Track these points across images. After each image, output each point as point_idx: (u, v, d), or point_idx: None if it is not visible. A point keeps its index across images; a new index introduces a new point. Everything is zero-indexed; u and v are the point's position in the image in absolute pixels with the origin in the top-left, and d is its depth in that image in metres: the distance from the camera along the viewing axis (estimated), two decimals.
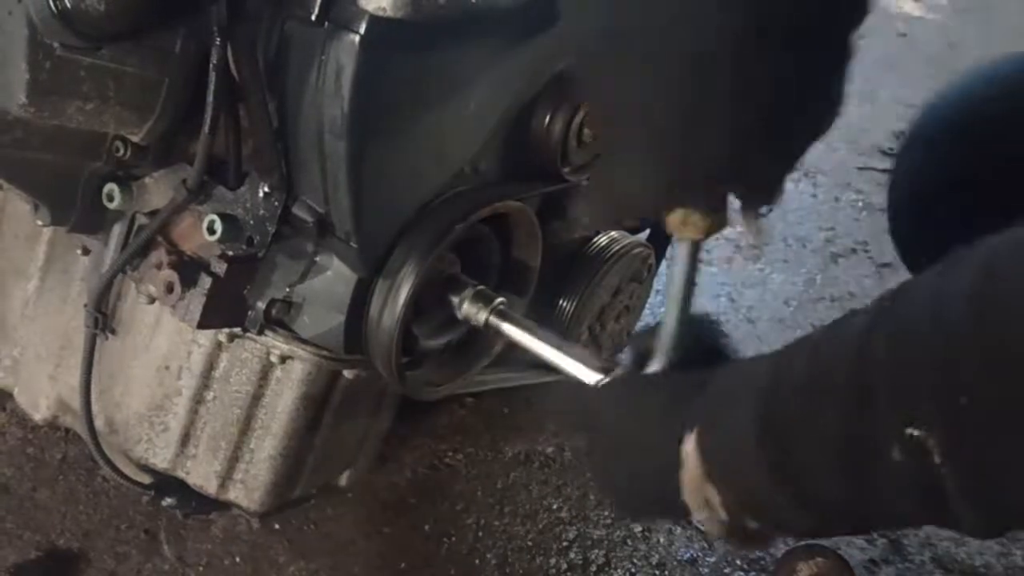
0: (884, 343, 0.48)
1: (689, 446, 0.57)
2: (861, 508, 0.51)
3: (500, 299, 0.97)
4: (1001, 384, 0.44)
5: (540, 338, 0.90)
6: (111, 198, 0.96)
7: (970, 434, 0.45)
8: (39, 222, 0.98)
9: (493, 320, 0.95)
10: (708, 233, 0.69)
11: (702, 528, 0.60)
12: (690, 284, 0.70)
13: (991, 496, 0.46)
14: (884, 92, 2.59)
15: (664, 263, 1.39)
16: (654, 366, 0.68)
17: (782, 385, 0.53)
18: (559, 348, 0.88)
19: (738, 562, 1.32)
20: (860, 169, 2.26)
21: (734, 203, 0.70)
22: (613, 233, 1.27)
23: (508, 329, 0.94)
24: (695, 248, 0.70)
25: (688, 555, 1.32)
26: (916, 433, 0.46)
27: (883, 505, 0.50)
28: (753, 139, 0.62)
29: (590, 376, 0.78)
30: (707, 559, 1.32)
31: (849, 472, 0.50)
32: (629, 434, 0.64)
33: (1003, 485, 0.46)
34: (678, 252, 0.70)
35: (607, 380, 0.71)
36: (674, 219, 0.67)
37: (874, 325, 0.50)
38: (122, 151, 0.92)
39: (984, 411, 0.45)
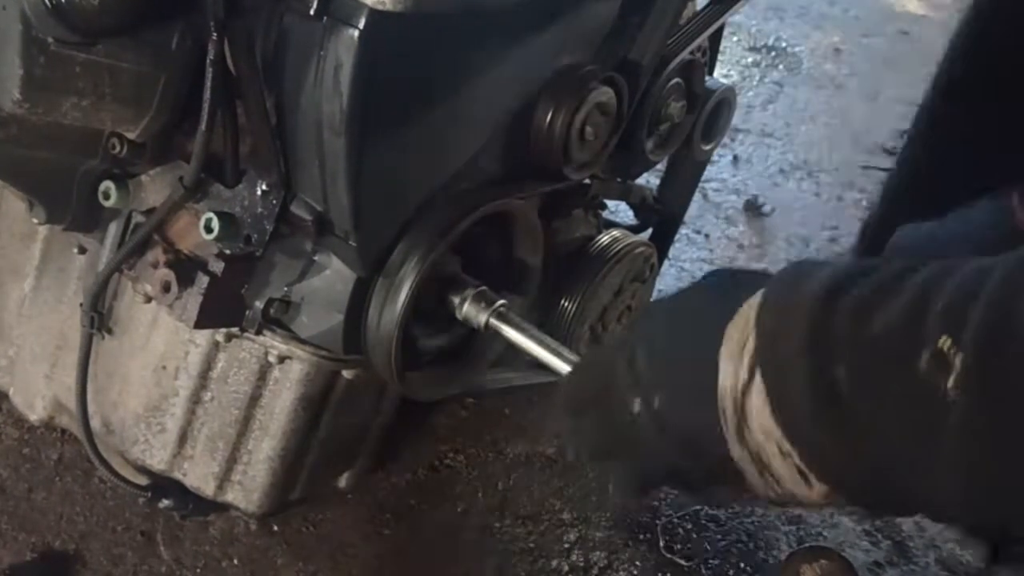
0: (962, 275, 0.48)
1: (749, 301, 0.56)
2: (864, 412, 0.49)
3: (501, 301, 0.95)
4: None
5: (540, 344, 0.89)
6: (107, 196, 0.95)
7: (994, 378, 0.44)
8: (35, 220, 0.97)
9: (493, 322, 0.94)
10: None
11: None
12: None
13: (990, 456, 0.45)
14: (887, 91, 2.59)
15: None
16: None
17: (852, 279, 0.52)
18: (559, 355, 0.87)
19: (741, 564, 1.31)
20: (863, 168, 2.26)
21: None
22: (615, 232, 1.26)
23: (508, 332, 0.93)
24: None
25: (690, 558, 1.31)
26: (948, 346, 0.45)
27: (885, 419, 0.48)
28: None
29: None
30: (710, 561, 1.31)
31: (874, 365, 0.49)
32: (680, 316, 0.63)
33: (1007, 455, 0.45)
34: None
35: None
36: None
37: (954, 262, 0.49)
38: (118, 148, 0.91)
39: (1016, 369, 0.43)
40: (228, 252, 0.91)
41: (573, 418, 0.70)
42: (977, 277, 0.47)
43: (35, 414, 1.16)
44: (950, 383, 0.45)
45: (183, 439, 1.07)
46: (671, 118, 1.17)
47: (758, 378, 0.54)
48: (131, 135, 0.89)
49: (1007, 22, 1.19)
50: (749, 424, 0.55)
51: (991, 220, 0.95)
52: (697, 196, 1.53)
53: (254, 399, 1.04)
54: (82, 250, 1.06)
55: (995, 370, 0.44)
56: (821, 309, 0.52)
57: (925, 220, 1.12)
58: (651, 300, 1.34)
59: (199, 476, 1.08)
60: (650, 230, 1.45)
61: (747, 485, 0.58)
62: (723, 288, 0.61)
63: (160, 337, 1.04)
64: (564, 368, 0.85)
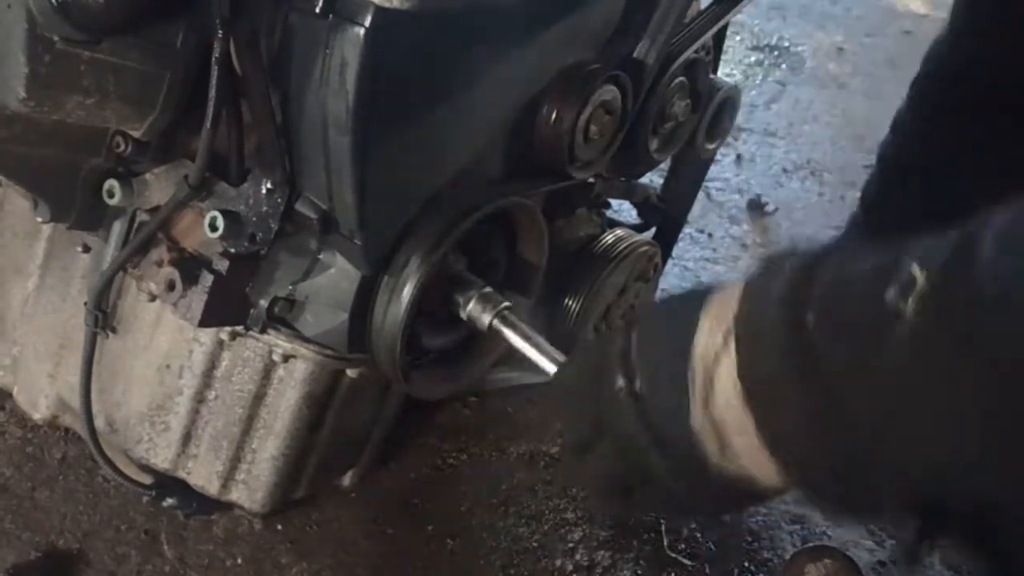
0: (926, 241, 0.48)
1: (711, 308, 0.57)
2: (833, 355, 0.49)
3: (505, 303, 0.95)
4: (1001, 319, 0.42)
5: (541, 352, 0.88)
6: (111, 194, 0.95)
7: (949, 299, 0.44)
8: (39, 219, 0.96)
9: (496, 324, 0.94)
10: None
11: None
12: None
13: (931, 376, 0.45)
14: (890, 90, 2.58)
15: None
16: None
17: (835, 245, 0.53)
18: (559, 364, 0.87)
19: (745, 563, 1.31)
20: (865, 167, 2.25)
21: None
22: (619, 231, 1.26)
23: (511, 337, 0.93)
24: None
25: (694, 557, 1.31)
26: (916, 271, 0.45)
27: (853, 359, 0.48)
28: None
29: None
30: (714, 561, 1.31)
31: (844, 307, 0.49)
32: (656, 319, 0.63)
33: (944, 375, 0.44)
34: None
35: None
36: None
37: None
38: (123, 147, 0.91)
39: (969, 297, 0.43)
40: (233, 251, 0.91)
41: (561, 406, 0.70)
42: (960, 230, 0.46)
43: (39, 413, 1.16)
44: (911, 302, 0.45)
45: (187, 438, 1.07)
46: (675, 117, 1.16)
47: (732, 344, 0.54)
48: (136, 133, 0.89)
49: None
50: (715, 391, 0.55)
51: None
52: (700, 195, 1.52)
53: (258, 398, 1.04)
54: (86, 249, 1.06)
55: (951, 292, 0.44)
56: (800, 271, 0.52)
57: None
58: (654, 300, 1.34)
59: (203, 475, 1.08)
60: (654, 229, 1.45)
61: (708, 466, 0.57)
62: (718, 283, 0.62)
63: (164, 336, 1.03)
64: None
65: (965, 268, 0.43)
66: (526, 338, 0.91)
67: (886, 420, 0.48)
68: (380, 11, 0.76)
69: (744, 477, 0.57)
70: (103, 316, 1.02)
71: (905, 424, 0.47)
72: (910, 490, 0.54)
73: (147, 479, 1.11)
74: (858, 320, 0.48)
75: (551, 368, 0.87)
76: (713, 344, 0.56)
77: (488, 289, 0.96)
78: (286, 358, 1.01)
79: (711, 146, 1.31)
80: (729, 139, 2.06)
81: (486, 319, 0.95)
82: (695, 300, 0.59)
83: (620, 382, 0.62)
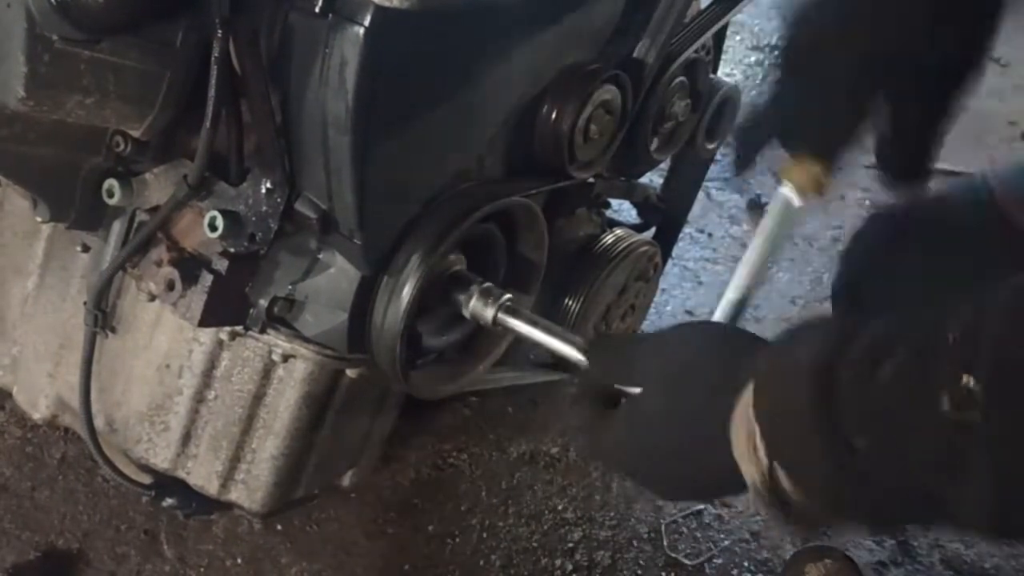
0: (963, 313, 0.48)
1: (748, 388, 0.57)
2: (894, 467, 0.50)
3: (507, 295, 0.95)
4: None
5: (550, 333, 0.88)
6: (111, 194, 0.95)
7: (1016, 394, 0.45)
8: (38, 218, 0.96)
9: (502, 316, 0.94)
10: (814, 186, 0.76)
11: (742, 491, 0.59)
12: (775, 240, 0.71)
13: (1014, 467, 0.46)
14: None
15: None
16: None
17: (849, 338, 0.53)
18: (571, 343, 0.86)
19: (745, 564, 1.31)
20: (866, 167, 2.25)
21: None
22: (619, 231, 1.26)
23: (517, 325, 0.92)
24: (789, 208, 0.75)
25: (694, 557, 1.31)
26: (970, 382, 0.46)
27: (915, 466, 0.49)
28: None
29: None
30: (714, 561, 1.31)
31: (894, 421, 0.49)
32: (690, 374, 0.64)
33: None
34: (773, 201, 0.72)
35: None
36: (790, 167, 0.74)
37: (950, 302, 0.50)
38: (122, 146, 0.91)
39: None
40: (232, 250, 0.91)
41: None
42: (975, 316, 0.48)
43: (38, 413, 1.16)
44: (978, 416, 0.46)
45: (187, 438, 1.07)
46: (675, 117, 1.16)
47: (779, 469, 0.55)
48: (135, 133, 0.89)
49: None
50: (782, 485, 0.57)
51: (967, 200, 0.93)
52: (700, 195, 1.52)
53: (258, 398, 1.04)
54: (86, 248, 1.05)
55: (1011, 389, 0.45)
56: (820, 381, 0.52)
57: None
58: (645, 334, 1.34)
59: (203, 475, 1.08)
60: (653, 229, 1.45)
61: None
62: (720, 359, 0.63)
63: (164, 335, 1.03)
64: (576, 356, 0.85)
65: (1016, 366, 0.45)
66: (534, 323, 0.91)
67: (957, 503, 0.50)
68: (380, 11, 0.76)
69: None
70: (103, 316, 1.02)
71: (985, 503, 0.49)
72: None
73: (147, 479, 1.11)
74: (919, 437, 0.49)
75: (563, 348, 0.86)
76: (762, 471, 0.56)
77: (488, 283, 0.96)
78: (286, 358, 1.00)
79: (711, 146, 1.31)
80: (729, 139, 2.06)
81: (489, 313, 0.94)
82: (713, 412, 0.60)
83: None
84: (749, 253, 0.74)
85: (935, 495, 0.49)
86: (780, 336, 0.59)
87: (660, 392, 0.65)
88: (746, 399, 0.57)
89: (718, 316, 0.73)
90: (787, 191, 0.74)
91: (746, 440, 0.56)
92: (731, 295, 0.73)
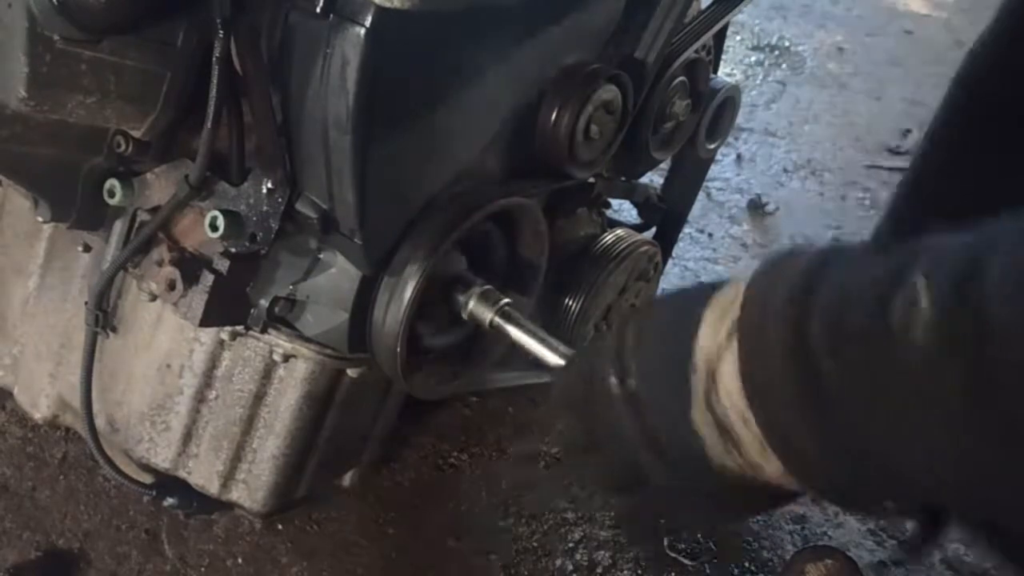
0: (939, 243, 0.47)
1: (710, 314, 0.56)
2: (838, 367, 0.48)
3: (505, 300, 0.95)
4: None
5: (545, 344, 0.89)
6: (112, 194, 0.95)
7: (961, 319, 0.43)
8: (39, 218, 0.96)
9: (498, 321, 0.94)
10: None
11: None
12: None
13: (952, 393, 0.44)
14: (891, 90, 2.59)
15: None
16: None
17: (842, 247, 0.52)
18: (563, 356, 0.87)
19: (745, 563, 1.31)
20: (867, 167, 2.26)
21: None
22: (619, 231, 1.26)
23: (513, 332, 0.93)
24: None
25: (694, 557, 1.31)
26: (922, 285, 0.45)
27: (858, 373, 0.48)
28: None
29: None
30: (714, 561, 1.31)
31: (849, 317, 0.48)
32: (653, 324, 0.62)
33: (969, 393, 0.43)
34: None
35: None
36: None
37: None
38: (123, 146, 0.91)
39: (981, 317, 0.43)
40: (233, 250, 0.91)
41: (560, 410, 0.69)
42: (965, 240, 0.46)
43: (39, 412, 1.16)
44: (918, 330, 0.44)
45: (187, 438, 1.07)
46: (676, 117, 1.16)
47: (735, 343, 0.54)
48: (136, 133, 0.89)
49: None
50: (718, 388, 0.55)
51: None
52: (701, 195, 1.52)
53: (259, 398, 1.04)
54: (87, 248, 1.06)
55: (959, 324, 0.44)
56: (805, 275, 0.51)
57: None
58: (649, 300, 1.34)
59: (203, 474, 1.08)
60: (654, 229, 1.45)
61: (710, 464, 0.57)
62: (717, 282, 0.61)
63: (165, 335, 1.03)
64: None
65: (974, 297, 0.43)
66: (528, 332, 0.91)
67: (888, 437, 0.48)
68: (381, 11, 0.76)
69: (747, 474, 0.56)
70: (104, 316, 1.02)
71: (908, 445, 0.47)
72: (910, 496, 0.54)
73: (148, 479, 1.11)
74: (861, 334, 0.47)
75: (556, 360, 0.87)
76: (716, 342, 0.55)
77: (488, 287, 0.96)
78: (287, 358, 1.01)
79: (711, 146, 1.31)
80: (729, 139, 2.06)
81: (487, 316, 0.95)
82: (696, 298, 0.59)
83: (613, 380, 0.61)
84: None
85: (870, 412, 0.48)
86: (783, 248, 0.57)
87: (653, 305, 0.65)
88: (741, 280, 0.56)
89: None
90: None
91: (721, 308, 0.56)
92: None
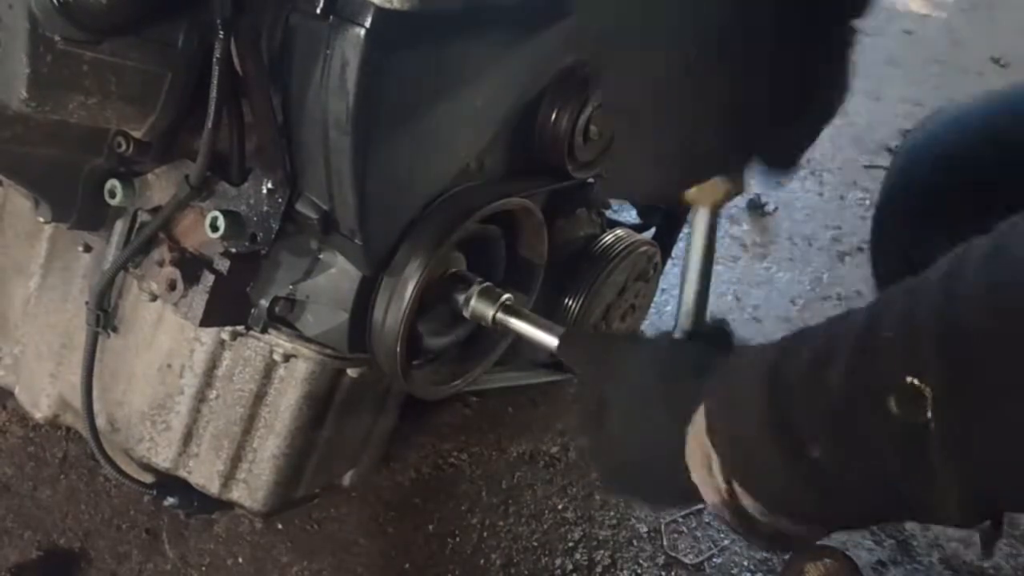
0: (897, 305, 0.49)
1: (699, 412, 0.58)
2: (853, 471, 0.51)
3: (506, 295, 0.96)
4: (1005, 346, 0.44)
5: (552, 333, 0.89)
6: (113, 194, 0.95)
7: (965, 388, 0.45)
8: (40, 219, 0.97)
9: (501, 316, 0.94)
10: (727, 197, 0.72)
11: (704, 504, 0.61)
12: (710, 251, 0.72)
13: (975, 460, 0.46)
14: (890, 90, 2.59)
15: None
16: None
17: (793, 351, 0.54)
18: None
19: (745, 563, 1.31)
20: (866, 167, 2.26)
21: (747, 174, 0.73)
22: (619, 231, 1.26)
23: (517, 325, 0.93)
24: (714, 214, 0.73)
25: (694, 557, 1.31)
26: (915, 382, 0.46)
27: (873, 468, 0.49)
28: (756, 121, 0.67)
29: None
30: (713, 560, 1.31)
31: (845, 426, 0.49)
32: (641, 402, 0.65)
33: (989, 451, 0.46)
34: (696, 219, 0.72)
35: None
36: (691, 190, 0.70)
37: (885, 296, 0.51)
38: (124, 147, 0.91)
39: (984, 369, 0.45)
40: (234, 250, 0.91)
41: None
42: (906, 304, 0.48)
43: (40, 412, 1.16)
44: (928, 413, 0.46)
45: (188, 437, 1.07)
46: None
47: (736, 486, 0.56)
48: (137, 134, 0.89)
49: None
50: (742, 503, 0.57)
51: None
52: None
53: (259, 397, 1.04)
54: (87, 248, 1.06)
55: (965, 389, 0.45)
56: (771, 393, 0.53)
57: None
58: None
59: (204, 474, 1.08)
60: (653, 229, 1.45)
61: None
62: (667, 386, 0.64)
63: (165, 335, 1.04)
64: None
65: (967, 364, 0.45)
66: (533, 323, 0.91)
67: (922, 501, 0.50)
68: (380, 12, 0.76)
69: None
70: (104, 316, 1.02)
71: (949, 501, 0.49)
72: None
73: (148, 478, 1.11)
74: (870, 438, 0.49)
75: None
76: (721, 493, 0.57)
77: (488, 284, 0.96)
78: (287, 358, 1.01)
79: None
80: None
81: (489, 313, 0.95)
82: (665, 436, 0.61)
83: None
84: (689, 266, 0.74)
85: (901, 493, 0.49)
86: (718, 371, 0.60)
87: (620, 415, 0.66)
88: (698, 424, 0.58)
89: (678, 330, 0.73)
90: (702, 209, 0.73)
91: (701, 463, 0.57)
92: (685, 306, 0.73)
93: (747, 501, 0.55)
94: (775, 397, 0.53)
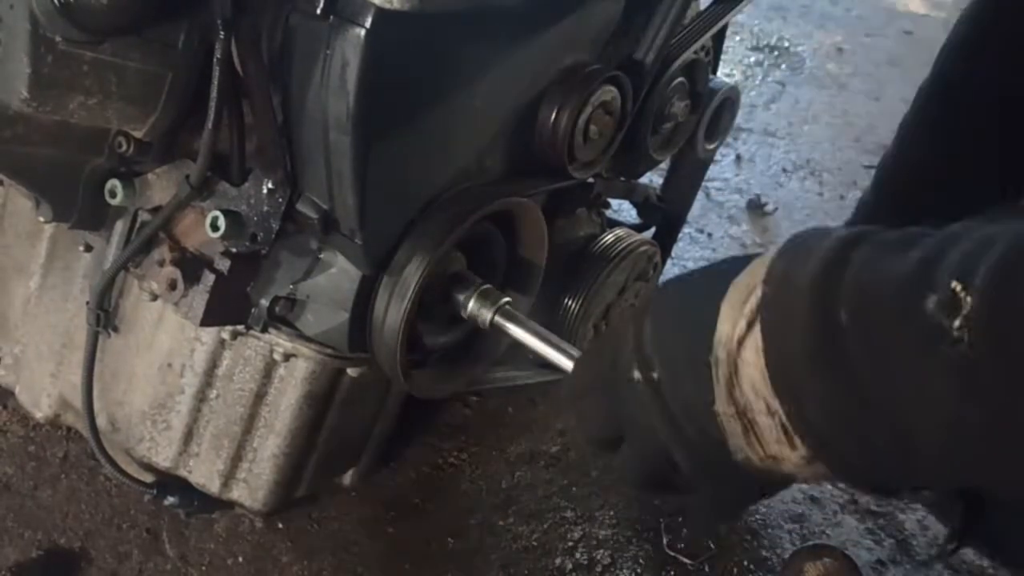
0: (968, 237, 0.47)
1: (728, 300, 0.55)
2: (867, 355, 0.48)
3: (506, 299, 0.96)
4: None
5: (545, 341, 0.89)
6: (113, 194, 0.96)
7: (1002, 320, 0.43)
8: (41, 219, 0.97)
9: (498, 320, 0.94)
10: None
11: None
12: None
13: (984, 393, 0.44)
14: (890, 90, 2.59)
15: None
16: None
17: (867, 230, 0.51)
18: (564, 352, 0.87)
19: (744, 562, 1.31)
20: (866, 167, 2.26)
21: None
22: (619, 231, 1.26)
23: (513, 330, 0.93)
24: None
25: (694, 556, 1.31)
26: (959, 289, 0.44)
27: (887, 364, 0.47)
28: None
29: None
30: (713, 560, 1.31)
31: (882, 310, 0.47)
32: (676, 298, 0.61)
33: (1002, 396, 0.43)
34: None
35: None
36: None
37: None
38: (124, 147, 0.92)
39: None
40: (234, 250, 0.91)
41: (578, 402, 0.68)
42: (988, 238, 0.46)
43: (41, 412, 1.16)
44: (957, 322, 0.44)
45: (188, 437, 1.07)
46: (675, 117, 1.17)
47: (756, 329, 0.53)
48: (137, 134, 0.89)
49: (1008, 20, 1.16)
50: (739, 377, 0.54)
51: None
52: (700, 195, 1.53)
53: (259, 397, 1.04)
54: (88, 248, 1.06)
55: (1004, 312, 0.43)
56: (832, 257, 0.50)
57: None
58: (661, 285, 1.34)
59: (204, 474, 1.09)
60: (653, 229, 1.45)
61: (733, 456, 0.56)
62: (736, 261, 0.59)
63: (166, 335, 1.04)
64: (569, 365, 0.86)
65: (1015, 294, 0.43)
66: (529, 330, 0.92)
67: (924, 433, 0.47)
68: (381, 12, 0.77)
69: (768, 466, 0.56)
70: (105, 315, 1.03)
71: (945, 443, 0.47)
72: (933, 481, 0.53)
73: (149, 478, 1.12)
74: (895, 328, 0.47)
75: (556, 357, 0.87)
76: (737, 330, 0.54)
77: (487, 286, 0.96)
78: (287, 357, 1.01)
79: (711, 146, 1.31)
80: (729, 139, 2.06)
81: (487, 315, 0.95)
82: (713, 285, 0.57)
83: (636, 374, 0.60)
84: None
85: (897, 406, 0.47)
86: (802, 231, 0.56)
87: (671, 290, 0.63)
88: (761, 262, 0.55)
89: None
90: None
91: (741, 294, 0.54)
92: None
93: (750, 353, 0.53)
94: (832, 263, 0.50)
